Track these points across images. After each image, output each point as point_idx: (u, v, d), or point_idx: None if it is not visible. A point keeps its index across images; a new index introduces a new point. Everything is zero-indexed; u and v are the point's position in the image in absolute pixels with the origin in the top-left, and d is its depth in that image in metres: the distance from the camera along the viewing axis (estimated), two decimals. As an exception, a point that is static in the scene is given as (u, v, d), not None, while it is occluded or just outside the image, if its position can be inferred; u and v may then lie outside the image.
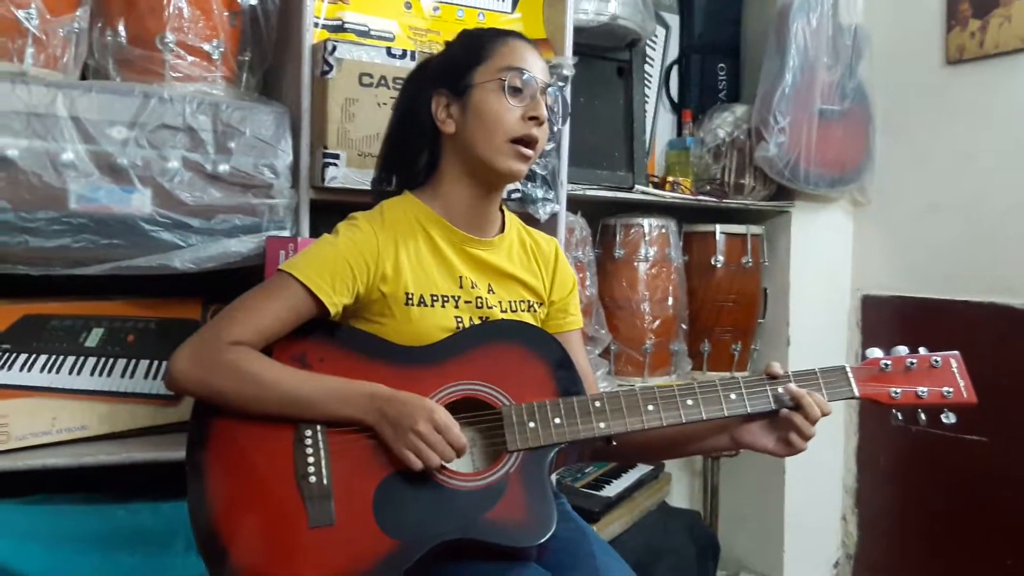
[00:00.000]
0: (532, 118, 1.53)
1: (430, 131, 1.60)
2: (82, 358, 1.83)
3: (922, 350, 1.56)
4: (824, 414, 1.49)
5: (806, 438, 1.48)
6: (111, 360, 1.86)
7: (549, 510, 1.39)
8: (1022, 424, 2.70)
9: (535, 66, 1.56)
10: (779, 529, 3.15)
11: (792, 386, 1.49)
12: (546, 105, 1.56)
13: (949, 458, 2.88)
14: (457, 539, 1.34)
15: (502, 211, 1.69)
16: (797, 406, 1.48)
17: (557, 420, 1.45)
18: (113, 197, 1.72)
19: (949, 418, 1.52)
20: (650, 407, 1.48)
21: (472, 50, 1.57)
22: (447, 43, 1.66)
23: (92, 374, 1.84)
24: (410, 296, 1.52)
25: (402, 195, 1.63)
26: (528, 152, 1.54)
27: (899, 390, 1.52)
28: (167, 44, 1.83)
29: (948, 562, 2.93)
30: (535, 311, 1.67)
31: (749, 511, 3.25)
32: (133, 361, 1.88)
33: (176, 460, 1.60)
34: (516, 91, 1.53)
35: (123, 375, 1.86)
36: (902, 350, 1.55)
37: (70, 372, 1.81)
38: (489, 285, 1.61)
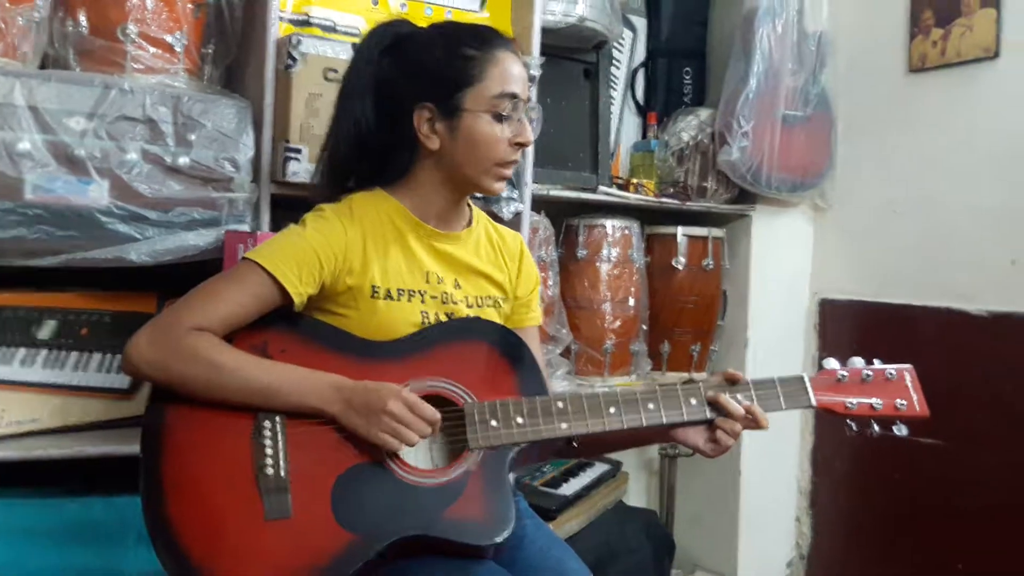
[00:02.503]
0: (518, 143, 1.55)
1: (410, 142, 1.57)
2: (34, 350, 1.81)
3: (876, 362, 1.58)
4: (761, 426, 1.52)
5: (735, 435, 1.52)
6: (64, 352, 1.84)
7: (508, 509, 1.40)
8: (976, 428, 2.74)
9: (521, 83, 1.55)
10: (734, 529, 3.17)
11: (711, 394, 1.52)
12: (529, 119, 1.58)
13: (903, 461, 2.92)
14: (415, 535, 1.34)
15: (469, 206, 1.70)
16: (720, 412, 1.51)
17: (519, 419, 1.45)
18: (70, 188, 1.69)
19: (901, 430, 1.55)
20: (611, 409, 1.49)
21: (461, 65, 1.52)
22: (421, 38, 1.59)
23: (44, 366, 1.81)
24: (376, 289, 1.52)
25: (372, 190, 1.61)
26: (510, 172, 1.58)
27: (854, 401, 1.55)
28: (129, 35, 1.81)
29: (900, 564, 2.97)
30: (500, 307, 1.67)
31: (705, 511, 3.27)
32: (86, 354, 1.86)
33: (129, 454, 1.58)
34: (506, 118, 1.53)
35: (76, 368, 1.84)
36: (858, 362, 1.58)
37: (21, 364, 1.79)
38: (456, 280, 1.61)
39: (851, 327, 3.15)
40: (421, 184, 1.60)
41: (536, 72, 2.23)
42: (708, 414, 1.52)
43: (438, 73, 1.54)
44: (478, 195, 2.09)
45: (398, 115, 1.56)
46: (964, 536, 2.78)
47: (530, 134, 1.56)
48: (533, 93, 2.23)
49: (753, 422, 1.51)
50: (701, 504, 3.28)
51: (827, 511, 3.26)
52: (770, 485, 3.23)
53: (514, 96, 1.53)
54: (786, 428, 3.26)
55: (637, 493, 3.37)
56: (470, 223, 1.68)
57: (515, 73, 1.55)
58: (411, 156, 1.60)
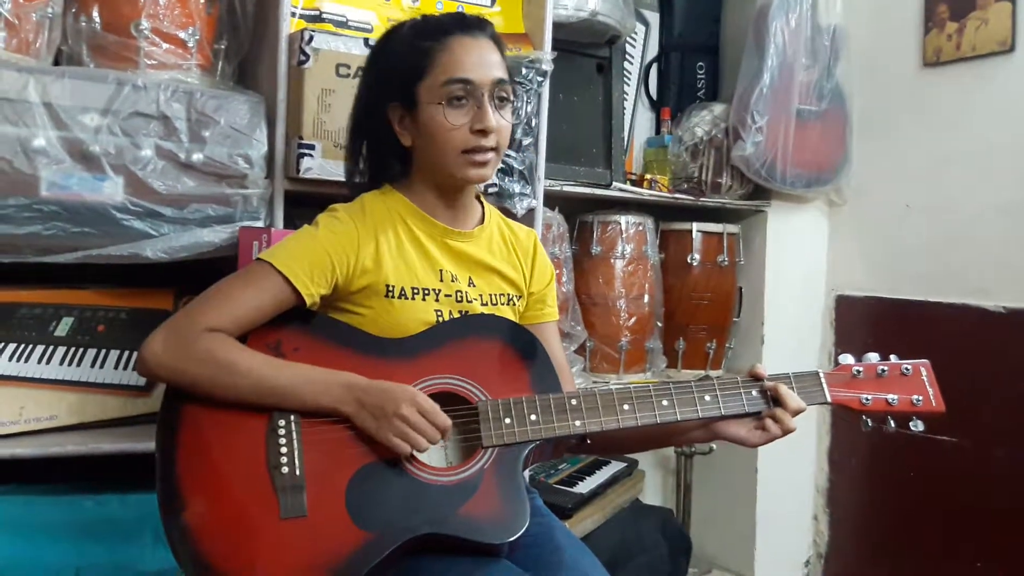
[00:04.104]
0: (479, 131, 1.51)
1: (394, 139, 1.58)
2: (51, 347, 1.81)
3: (893, 357, 1.57)
4: (800, 410, 1.51)
5: (785, 430, 1.51)
6: (81, 350, 1.84)
7: (522, 507, 1.39)
8: (993, 425, 2.72)
9: (479, 67, 1.51)
10: (751, 528, 3.17)
11: (770, 383, 1.52)
12: (502, 98, 1.54)
13: (920, 459, 2.91)
14: (430, 534, 1.34)
15: (481, 202, 1.69)
16: (777, 401, 1.51)
17: (533, 417, 1.45)
18: (85, 185, 1.70)
19: (917, 425, 1.54)
20: (625, 406, 1.48)
21: (415, 58, 1.52)
22: (395, 32, 1.60)
23: (61, 363, 1.82)
24: (390, 288, 1.51)
25: (382, 188, 1.62)
26: (482, 158, 1.52)
27: (870, 397, 1.54)
28: (142, 31, 1.81)
29: (918, 563, 2.96)
30: (514, 304, 1.66)
31: (721, 509, 3.26)
32: (103, 351, 1.86)
33: (145, 451, 1.59)
34: (459, 104, 1.50)
35: (93, 365, 1.84)
36: (873, 357, 1.57)
37: (39, 361, 1.79)
38: (470, 278, 1.60)
39: (867, 323, 3.14)
40: (416, 181, 1.60)
41: (548, 67, 2.23)
42: (724, 410, 1.51)
43: (397, 70, 1.55)
44: (489, 190, 2.10)
45: (381, 115, 1.58)
46: (982, 534, 2.76)
47: (489, 120, 1.50)
48: (545, 91, 2.23)
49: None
50: (718, 503, 3.27)
51: (844, 509, 3.25)
52: (787, 483, 3.22)
53: (466, 81, 1.49)
54: (803, 426, 3.18)
55: (653, 491, 3.37)
56: (483, 220, 1.67)
57: (467, 58, 1.51)
58: (403, 154, 1.61)
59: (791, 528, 3.28)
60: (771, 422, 1.50)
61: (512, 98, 1.58)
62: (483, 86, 1.50)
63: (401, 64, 1.55)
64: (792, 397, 1.50)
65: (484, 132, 1.51)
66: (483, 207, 1.68)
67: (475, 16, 1.58)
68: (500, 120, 1.52)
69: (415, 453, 1.39)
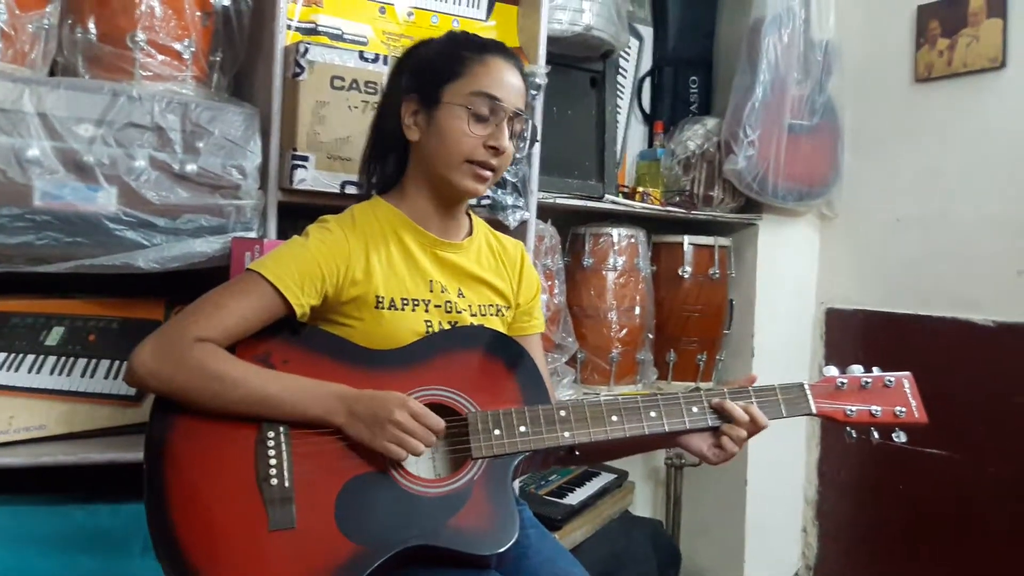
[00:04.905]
0: (492, 147, 1.54)
1: (399, 133, 1.60)
2: (42, 357, 1.81)
3: (876, 370, 1.59)
4: (761, 427, 1.53)
5: (739, 441, 1.52)
6: (71, 359, 1.84)
7: (512, 518, 1.39)
8: (983, 438, 2.73)
9: (509, 91, 1.55)
10: (740, 539, 3.17)
11: (715, 401, 1.53)
12: (514, 130, 1.57)
13: (910, 472, 2.91)
14: (420, 545, 1.34)
15: (469, 215, 1.70)
16: (724, 418, 1.53)
17: (522, 428, 1.46)
18: (78, 195, 1.70)
19: (900, 437, 1.56)
20: (614, 417, 1.49)
21: (449, 62, 1.56)
22: (432, 39, 1.65)
23: (52, 373, 1.81)
24: (380, 299, 1.52)
25: (372, 199, 1.63)
26: (485, 174, 1.56)
27: (854, 408, 1.55)
28: (138, 42, 1.81)
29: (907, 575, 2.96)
30: (503, 315, 1.67)
31: (711, 521, 3.27)
32: (94, 361, 1.86)
33: (135, 461, 1.58)
34: (482, 118, 1.53)
35: (83, 375, 1.84)
36: (857, 369, 1.59)
37: (29, 371, 1.79)
38: (459, 289, 1.61)
39: (857, 337, 3.15)
40: (410, 187, 1.62)
41: (542, 81, 2.24)
42: (711, 421, 1.53)
43: (428, 67, 1.58)
44: (482, 203, 2.11)
45: (394, 111, 1.60)
46: (971, 547, 2.77)
47: (505, 141, 1.54)
48: (539, 104, 2.24)
49: (754, 425, 1.52)
50: (707, 514, 3.27)
51: (834, 522, 3.25)
52: (776, 495, 3.23)
53: (493, 98, 1.53)
54: (792, 438, 3.26)
55: (643, 503, 3.37)
56: (471, 232, 1.68)
57: (501, 79, 1.55)
58: (403, 156, 1.64)
59: (780, 540, 3.28)
60: (728, 440, 1.52)
61: (524, 131, 1.62)
62: (508, 109, 1.54)
63: (434, 63, 1.58)
64: (736, 409, 1.51)
65: (496, 151, 1.54)
66: (471, 219, 1.70)
67: (509, 48, 1.63)
68: (509, 145, 1.56)
69: (404, 465, 1.40)
